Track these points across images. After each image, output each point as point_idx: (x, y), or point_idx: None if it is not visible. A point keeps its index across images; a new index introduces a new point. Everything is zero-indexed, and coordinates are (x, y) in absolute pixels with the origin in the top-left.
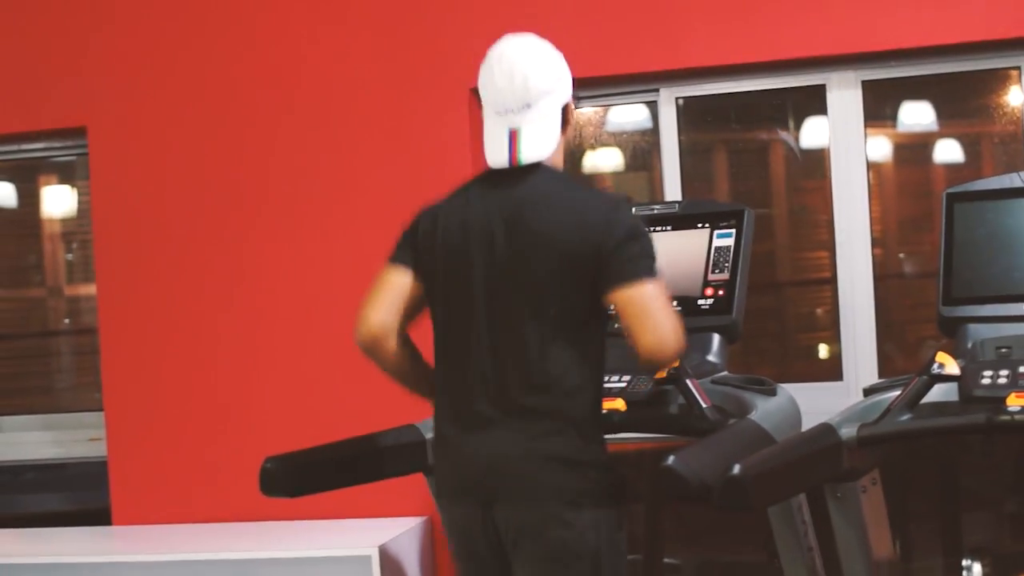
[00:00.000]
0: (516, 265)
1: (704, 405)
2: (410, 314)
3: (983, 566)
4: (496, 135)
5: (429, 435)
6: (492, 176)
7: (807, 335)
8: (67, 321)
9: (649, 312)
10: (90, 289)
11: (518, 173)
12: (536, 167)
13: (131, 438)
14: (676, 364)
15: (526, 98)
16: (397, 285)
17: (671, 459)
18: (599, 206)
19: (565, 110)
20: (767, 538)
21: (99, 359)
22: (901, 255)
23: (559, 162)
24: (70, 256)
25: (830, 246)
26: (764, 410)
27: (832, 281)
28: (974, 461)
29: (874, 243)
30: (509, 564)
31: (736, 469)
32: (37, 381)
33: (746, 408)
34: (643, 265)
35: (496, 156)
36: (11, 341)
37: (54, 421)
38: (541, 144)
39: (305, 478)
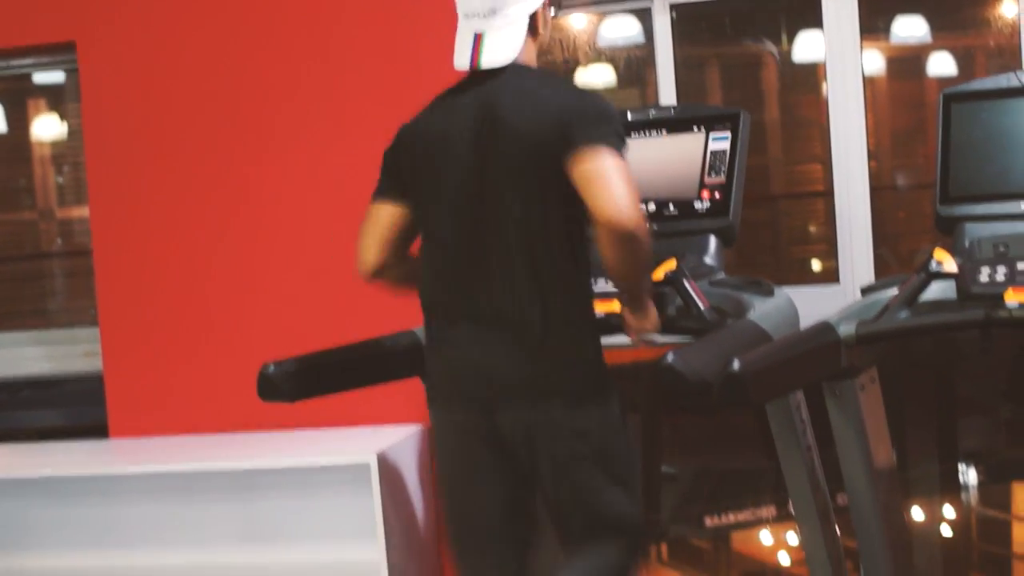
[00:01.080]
0: (497, 165)
1: (702, 306)
2: (405, 242)
3: (979, 471)
4: (462, 38)
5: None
6: (466, 81)
7: (801, 247)
8: (59, 241)
9: (609, 180)
10: (82, 211)
11: (491, 74)
12: (508, 67)
13: (126, 352)
14: (674, 265)
15: (492, 3)
16: (385, 221)
17: (670, 357)
18: (571, 93)
19: (534, 17)
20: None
21: (93, 280)
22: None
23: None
24: (61, 179)
25: (824, 159)
26: (762, 310)
27: (827, 194)
28: (970, 367)
29: (868, 156)
30: (514, 466)
31: (735, 365)
32: (30, 304)
33: (744, 308)
34: (609, 139)
35: (460, 59)
36: (2, 264)
37: (48, 337)
38: (503, 49)
39: (304, 382)
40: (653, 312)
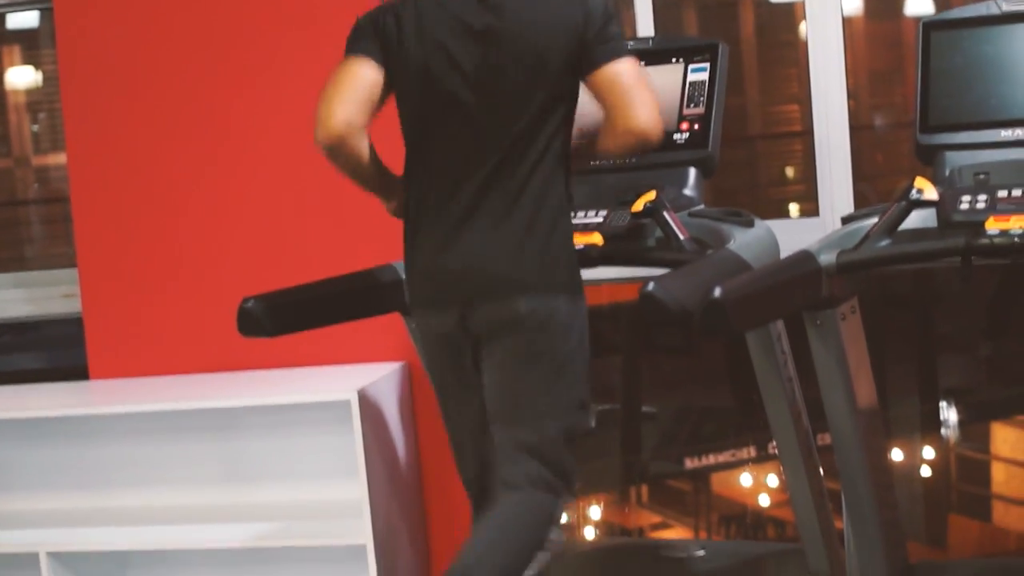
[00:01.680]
0: (493, 73)
1: (682, 236)
2: (374, 111)
3: (958, 411)
4: None
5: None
6: None
7: (779, 189)
8: (36, 187)
9: (640, 86)
10: (59, 159)
11: None
12: None
13: (105, 293)
14: (653, 196)
15: None
16: (363, 79)
17: (650, 285)
18: None
19: None
20: None
21: (71, 226)
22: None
23: None
24: (36, 128)
25: (801, 99)
26: (742, 240)
27: (805, 134)
28: (949, 306)
29: (847, 95)
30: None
31: (717, 292)
32: (7, 251)
33: (724, 239)
34: (621, 44)
35: None
36: None
37: (27, 279)
38: None
39: (284, 317)
40: None
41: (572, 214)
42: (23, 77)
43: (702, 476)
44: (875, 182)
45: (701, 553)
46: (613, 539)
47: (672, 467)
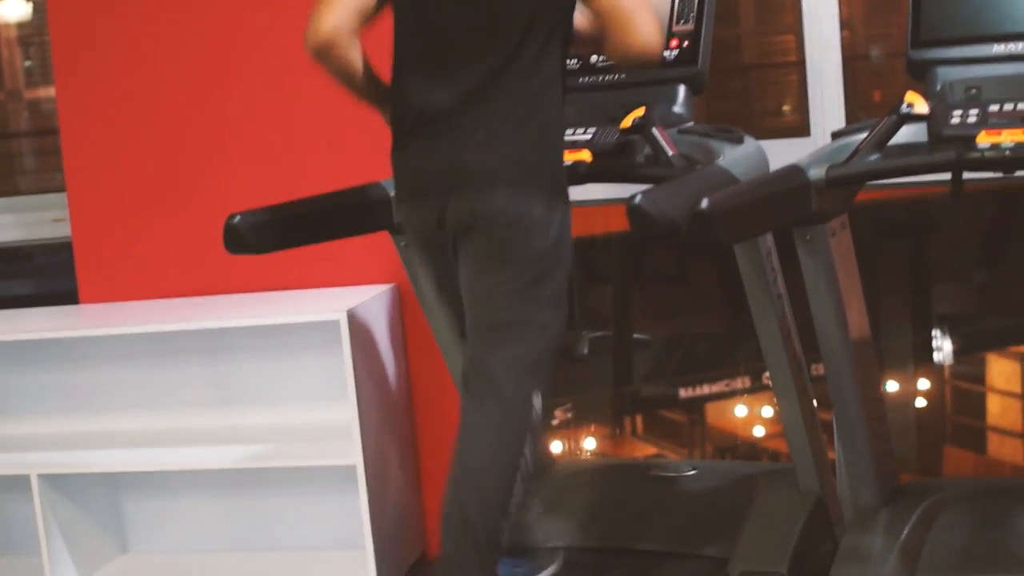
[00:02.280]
0: None
1: (670, 152)
2: (366, 18)
3: (952, 341)
4: None
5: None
6: None
7: (774, 119)
8: (27, 116)
9: (638, 11)
10: (51, 92)
11: None
12: None
13: (95, 217)
14: (642, 113)
15: None
16: None
17: (637, 198)
18: None
19: None
20: None
21: (61, 157)
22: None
23: None
24: (28, 63)
25: (796, 29)
26: (732, 157)
27: (800, 63)
28: (943, 236)
29: (841, 25)
30: None
31: (704, 203)
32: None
33: (713, 155)
34: None
35: None
36: None
37: (16, 204)
38: None
39: (271, 234)
40: None
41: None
42: (14, 11)
43: (696, 407)
44: (871, 111)
45: (692, 472)
46: (603, 458)
47: (665, 391)
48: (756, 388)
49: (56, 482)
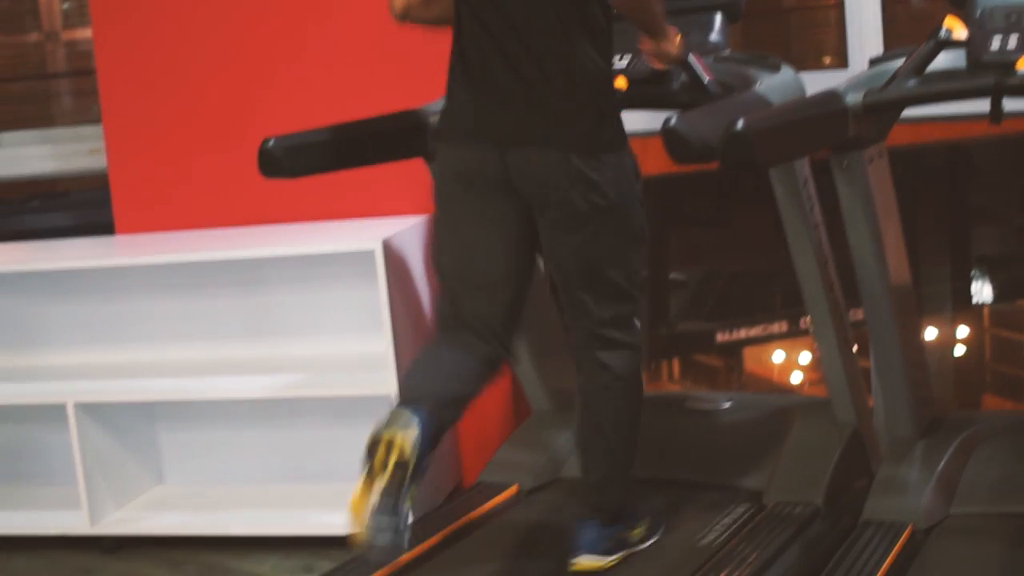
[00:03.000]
0: None
1: (706, 79)
2: None
3: (992, 288)
4: None
5: (431, 119)
6: None
7: (814, 62)
8: (65, 56)
9: None
10: (87, 33)
11: None
12: None
13: (131, 148)
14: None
15: None
16: None
17: (672, 120)
18: None
19: None
20: None
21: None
22: None
23: None
24: (66, 5)
25: None
26: (768, 84)
27: (838, 6)
28: (983, 179)
29: None
30: (518, 208)
31: (739, 124)
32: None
33: (749, 82)
34: None
35: None
36: (9, 84)
37: (53, 135)
38: None
39: (305, 158)
40: (673, 32)
41: None
42: None
43: (733, 351)
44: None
45: (728, 405)
46: None
47: (702, 326)
48: (794, 333)
49: (92, 411)
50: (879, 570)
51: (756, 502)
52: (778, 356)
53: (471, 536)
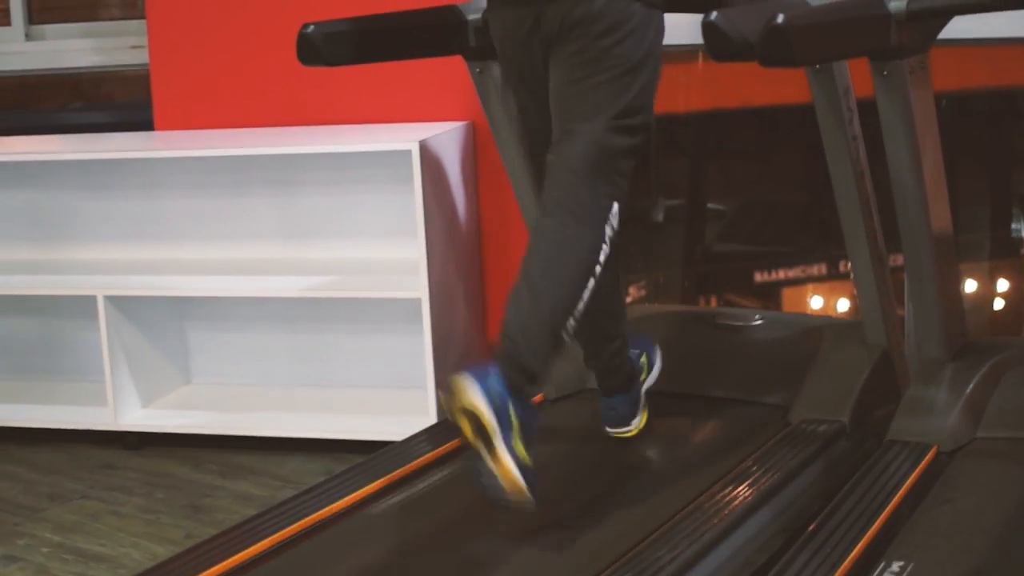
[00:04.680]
0: None
1: None
2: None
3: None
4: None
5: (471, 16)
6: None
7: None
8: None
9: None
10: None
11: None
12: None
13: (172, 43)
14: None
15: None
16: None
17: (713, 15)
18: None
19: None
20: None
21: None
22: None
23: None
24: None
25: None
26: None
27: None
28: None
29: None
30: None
31: (779, 18)
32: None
33: None
34: None
35: None
36: None
37: (95, 29)
38: None
39: (343, 45)
40: None
41: None
42: None
43: (771, 293)
44: None
45: (758, 321)
46: (669, 306)
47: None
48: (833, 276)
49: (122, 305)
50: (900, 489)
51: (782, 418)
52: (816, 303)
53: None
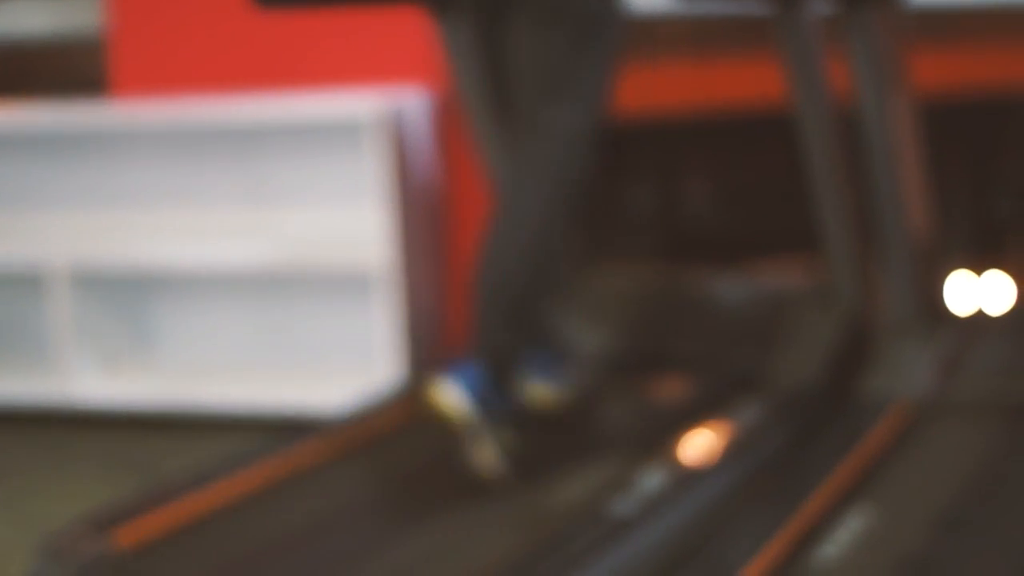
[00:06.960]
0: None
1: None
2: None
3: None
4: None
5: None
6: None
7: None
8: None
9: None
10: None
11: None
12: None
13: (130, 4)
14: None
15: None
16: None
17: None
18: None
19: None
20: None
21: None
22: None
23: None
24: None
25: None
26: None
27: None
28: None
29: None
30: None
31: None
32: None
33: None
34: None
35: None
36: None
37: None
38: None
39: None
40: None
41: None
42: None
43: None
44: None
45: (726, 284)
46: (635, 267)
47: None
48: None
49: (78, 275)
50: (867, 448)
51: (749, 379)
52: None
53: None
